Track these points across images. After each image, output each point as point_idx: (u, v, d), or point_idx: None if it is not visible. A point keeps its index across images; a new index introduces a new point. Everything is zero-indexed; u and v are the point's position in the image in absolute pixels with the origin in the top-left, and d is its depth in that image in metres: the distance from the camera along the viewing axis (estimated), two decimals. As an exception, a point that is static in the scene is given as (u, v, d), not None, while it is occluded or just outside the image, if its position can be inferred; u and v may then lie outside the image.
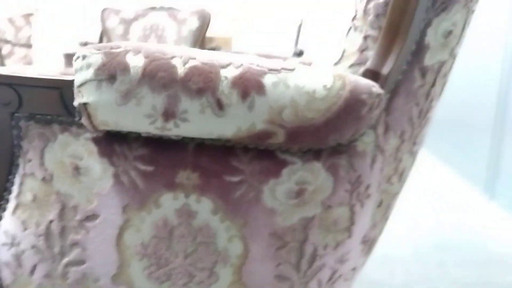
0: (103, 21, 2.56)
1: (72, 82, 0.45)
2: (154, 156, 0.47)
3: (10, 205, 0.50)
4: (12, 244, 0.50)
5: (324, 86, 0.42)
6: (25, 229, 0.49)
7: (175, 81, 0.40)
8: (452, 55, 0.52)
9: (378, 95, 0.44)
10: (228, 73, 0.40)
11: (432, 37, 0.47)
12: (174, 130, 0.42)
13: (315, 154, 0.47)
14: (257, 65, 0.41)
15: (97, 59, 0.40)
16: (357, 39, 0.50)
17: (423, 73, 0.49)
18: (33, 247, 0.49)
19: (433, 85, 0.51)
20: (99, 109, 0.41)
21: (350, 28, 0.52)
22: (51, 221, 0.48)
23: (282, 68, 0.42)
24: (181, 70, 0.40)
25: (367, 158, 0.49)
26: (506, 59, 1.73)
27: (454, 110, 2.27)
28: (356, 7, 0.51)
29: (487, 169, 1.84)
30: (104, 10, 2.56)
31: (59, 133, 0.47)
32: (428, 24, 0.46)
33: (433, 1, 0.45)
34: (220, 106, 0.40)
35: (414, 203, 1.80)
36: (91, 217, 0.48)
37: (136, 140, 0.47)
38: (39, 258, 0.49)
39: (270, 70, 0.41)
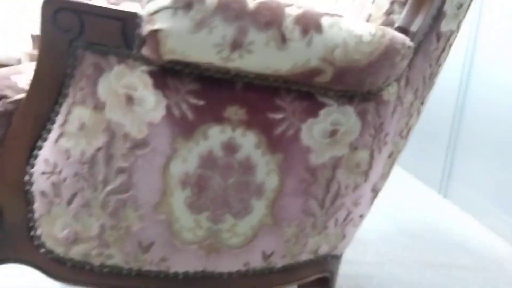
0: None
1: (135, 14, 0.48)
2: (205, 92, 0.50)
3: (53, 135, 0.51)
4: (52, 173, 0.51)
5: (369, 33, 0.48)
6: (69, 157, 0.50)
7: (246, 13, 0.44)
8: (458, 28, 0.60)
9: (409, 47, 0.51)
10: (292, 11, 0.45)
11: (449, 6, 0.55)
12: (237, 62, 0.46)
13: (348, 99, 0.53)
14: (315, 8, 0.46)
15: (174, -13, 0.43)
16: (384, 4, 0.57)
17: (438, 37, 0.57)
18: (75, 175, 0.50)
19: (443, 50, 0.59)
20: (171, 36, 0.44)
21: (375, -4, 0.59)
22: (98, 149, 0.50)
23: (335, 14, 0.47)
24: (251, 4, 0.44)
25: (390, 107, 0.56)
26: (464, 72, 1.93)
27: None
28: (383, -22, 0.58)
29: (442, 172, 2.03)
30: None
31: (115, 64, 0.49)
32: (447, -7, 0.54)
33: (454, -26, 0.53)
34: (283, 40, 0.45)
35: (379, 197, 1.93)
36: (141, 145, 0.50)
37: (188, 76, 0.50)
38: (80, 186, 0.51)
39: (326, 13, 0.47)
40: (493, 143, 1.64)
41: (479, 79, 1.76)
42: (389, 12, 0.56)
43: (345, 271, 1.17)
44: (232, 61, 0.46)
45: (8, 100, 0.52)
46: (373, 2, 0.58)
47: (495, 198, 1.59)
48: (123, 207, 0.51)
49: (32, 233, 0.53)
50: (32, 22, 2.74)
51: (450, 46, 0.62)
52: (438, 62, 0.60)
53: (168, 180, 0.51)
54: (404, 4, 0.55)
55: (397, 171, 2.42)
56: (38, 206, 0.52)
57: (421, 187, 2.12)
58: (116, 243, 0.52)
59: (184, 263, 0.55)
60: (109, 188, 0.51)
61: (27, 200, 0.52)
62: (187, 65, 0.49)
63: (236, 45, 0.45)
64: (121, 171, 0.50)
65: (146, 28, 0.46)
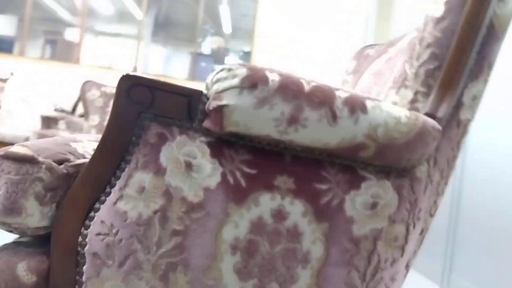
0: (83, 91, 2.63)
1: (201, 92, 0.54)
2: (257, 161, 0.55)
3: (111, 197, 0.53)
4: (108, 234, 0.52)
5: (406, 115, 0.55)
6: (126, 219, 0.52)
7: (302, 93, 0.51)
8: (473, 117, 0.68)
9: (438, 130, 0.58)
10: (341, 94, 0.52)
11: (466, 97, 0.64)
12: (292, 135, 0.52)
13: (386, 174, 0.58)
14: (359, 93, 0.53)
15: (243, 71, 0.50)
16: (408, 95, 0.65)
17: (458, 124, 0.64)
18: (131, 236, 0.52)
19: (462, 136, 0.66)
20: (237, 111, 0.50)
21: (400, 87, 0.67)
22: (155, 211, 0.52)
23: (376, 99, 0.54)
24: (307, 87, 0.51)
25: (422, 184, 0.60)
26: (459, 164, 2.03)
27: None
28: (406, 72, 0.67)
29: (443, 266, 2.02)
30: (86, 82, 2.65)
31: (177, 135, 0.54)
32: (465, 86, 0.63)
33: (470, 70, 0.62)
34: (334, 117, 0.51)
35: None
36: (197, 209, 0.53)
37: (242, 147, 0.55)
38: (134, 248, 0.52)
39: (368, 97, 0.54)
40: (492, 234, 1.67)
41: (475, 170, 1.86)
42: (413, 101, 0.64)
43: None
44: (287, 134, 0.52)
45: (71, 163, 0.56)
46: (397, 93, 0.67)
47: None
48: (174, 271, 0.52)
49: (76, 297, 0.53)
50: (40, 104, 2.86)
51: (468, 132, 0.69)
52: (458, 146, 0.66)
53: (220, 244, 0.53)
54: (426, 94, 0.63)
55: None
56: (87, 268, 0.52)
57: (423, 281, 2.08)
58: (163, 310, 0.52)
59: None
60: (162, 250, 0.52)
61: (77, 262, 0.53)
62: (242, 137, 0.54)
63: (293, 120, 0.51)
64: (175, 233, 0.52)
65: (212, 104, 0.52)
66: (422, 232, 0.66)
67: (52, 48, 3.85)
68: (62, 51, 3.78)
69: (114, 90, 2.59)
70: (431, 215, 0.67)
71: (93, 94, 2.59)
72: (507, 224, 1.62)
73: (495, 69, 1.69)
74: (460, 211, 1.94)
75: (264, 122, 0.51)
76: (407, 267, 0.66)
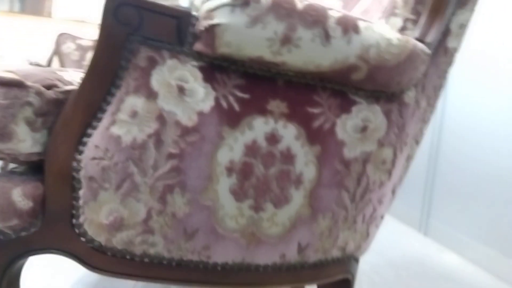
0: (58, 44, 2.53)
1: (190, 13, 0.53)
2: (249, 86, 0.55)
3: (104, 122, 0.53)
4: (103, 158, 0.52)
5: (397, 37, 0.55)
6: (120, 143, 0.52)
7: (296, 12, 0.50)
8: (459, 46, 0.69)
9: (427, 54, 0.58)
10: (333, 13, 0.52)
11: (454, 24, 0.64)
12: (285, 56, 0.52)
13: (376, 98, 0.59)
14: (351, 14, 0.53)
15: (234, -13, 0.49)
16: (397, 23, 0.65)
17: (445, 52, 0.65)
18: (127, 159, 0.52)
19: (449, 65, 0.68)
20: (229, 30, 0.49)
21: (389, 15, 0.67)
22: (150, 135, 0.52)
23: (367, 20, 0.54)
24: (300, 5, 0.50)
25: (410, 109, 0.62)
26: (439, 110, 2.07)
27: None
28: (396, 0, 0.67)
29: (421, 212, 2.11)
30: (61, 35, 2.54)
31: (168, 58, 0.53)
32: (453, 12, 0.63)
33: (459, -3, 0.63)
34: (327, 37, 0.51)
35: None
36: (191, 133, 0.53)
37: (234, 72, 0.55)
38: (130, 171, 0.52)
39: (361, 19, 0.54)
40: (469, 181, 1.74)
41: (454, 117, 1.91)
42: (403, 29, 0.64)
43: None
44: (281, 55, 0.52)
45: (59, 89, 0.55)
46: (386, 22, 0.67)
47: (473, 232, 1.66)
48: (171, 193, 0.53)
49: (74, 221, 0.53)
50: (13, 59, 2.75)
51: (453, 63, 0.70)
52: (445, 75, 0.68)
53: (215, 167, 0.54)
54: (416, 22, 0.63)
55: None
56: (84, 192, 0.53)
57: (402, 227, 2.18)
58: (161, 230, 0.53)
59: (225, 253, 0.56)
60: (159, 173, 0.52)
61: (73, 186, 0.53)
62: (234, 62, 0.54)
63: (286, 40, 0.51)
64: (171, 156, 0.52)
65: (203, 23, 0.50)
66: (408, 159, 0.69)
67: (20, 1, 3.64)
68: (32, 4, 3.58)
69: (90, 43, 2.50)
70: (417, 142, 0.69)
71: (68, 47, 2.49)
72: (484, 171, 1.70)
73: (476, 20, 1.70)
74: (439, 158, 2.01)
75: (257, 42, 0.51)
76: (393, 192, 0.69)
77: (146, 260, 0.54)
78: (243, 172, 0.54)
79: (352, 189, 0.60)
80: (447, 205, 1.89)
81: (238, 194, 0.55)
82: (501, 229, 1.55)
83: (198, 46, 0.52)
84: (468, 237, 1.71)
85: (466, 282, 1.43)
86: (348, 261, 0.67)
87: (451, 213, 1.85)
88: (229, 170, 0.54)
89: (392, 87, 0.58)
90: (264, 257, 0.58)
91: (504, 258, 1.49)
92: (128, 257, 0.54)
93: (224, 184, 0.54)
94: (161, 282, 0.56)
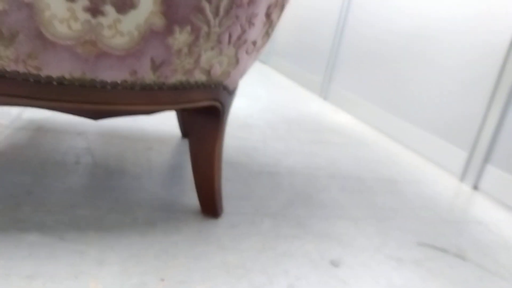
0: None
1: None
2: None
3: None
4: None
5: None
6: None
7: None
8: None
9: None
10: None
11: None
12: None
13: None
14: None
15: None
16: None
17: None
18: None
19: None
20: None
21: None
22: None
23: None
24: None
25: None
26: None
27: (299, 34, 2.53)
28: None
29: (323, 79, 2.16)
30: None
31: None
32: None
33: None
34: None
35: (266, 96, 2.02)
36: None
37: None
38: None
39: None
40: (368, 54, 1.78)
41: (359, 2, 1.86)
42: None
43: (235, 144, 1.20)
44: None
45: None
46: None
47: (367, 95, 1.77)
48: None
49: None
50: None
51: None
52: None
53: (31, -49, 0.42)
54: None
55: (282, 80, 2.53)
56: None
57: (304, 92, 2.25)
58: (-35, 29, 0.43)
59: (58, 64, 0.48)
60: None
61: None
62: None
63: None
64: None
65: None
66: (285, -22, 0.62)
67: None
68: None
69: None
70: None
71: None
72: (382, 47, 1.73)
73: None
74: (345, 30, 2.00)
75: None
76: (268, 16, 0.64)
77: (-46, 68, 0.45)
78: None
79: (215, 0, 0.53)
80: (347, 72, 1.95)
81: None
82: (390, 91, 1.65)
83: None
84: (362, 99, 1.82)
85: (349, 134, 1.55)
86: (216, 88, 0.64)
87: (351, 79, 1.93)
88: (52, -44, 0.43)
89: None
90: (110, 72, 0.51)
91: (389, 115, 1.63)
92: None
93: (47, -25, 0.43)
94: (-19, 96, 0.48)
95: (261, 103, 1.81)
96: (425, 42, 1.45)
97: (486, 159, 1.14)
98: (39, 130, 1.05)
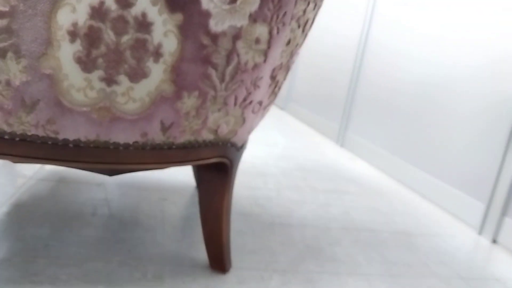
0: None
1: None
2: None
3: None
4: None
5: None
6: None
7: None
8: None
9: None
10: None
11: None
12: None
13: (248, -34, 0.54)
14: None
15: None
16: None
17: None
18: None
19: None
20: None
21: None
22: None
23: None
24: None
25: (287, -17, 0.58)
26: (362, 36, 2.06)
27: (316, 81, 2.60)
28: None
29: (339, 126, 2.19)
30: None
31: None
32: None
33: None
34: None
35: (283, 142, 2.04)
36: (21, -14, 0.45)
37: None
38: None
39: None
40: (384, 98, 1.81)
41: (377, 38, 1.92)
42: None
43: (248, 195, 1.21)
44: None
45: None
46: None
47: (383, 143, 1.77)
48: (4, 58, 0.46)
49: None
50: None
51: None
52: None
53: (55, 31, 0.47)
54: None
55: (300, 126, 2.56)
56: None
57: (320, 139, 2.27)
58: (-7, 99, 0.47)
59: (75, 129, 0.52)
60: (-18, 33, 0.45)
61: None
62: None
63: None
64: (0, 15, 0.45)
65: None
66: (290, 43, 0.66)
67: None
68: None
69: None
70: (299, 26, 0.66)
71: None
72: (397, 96, 1.76)
73: None
74: (360, 76, 2.04)
75: None
76: (274, 78, 0.67)
77: (-19, 134, 0.49)
78: (89, 38, 0.48)
79: (221, 68, 0.57)
80: (363, 120, 1.97)
81: (85, 63, 0.49)
82: (406, 140, 1.65)
83: None
84: (378, 147, 1.82)
85: (366, 184, 1.54)
86: (224, 146, 0.67)
87: (367, 126, 1.94)
88: (72, 35, 0.48)
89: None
90: (123, 134, 0.55)
91: (405, 164, 1.62)
92: (-42, 130, 0.48)
93: (67, 51, 0.48)
94: (4, 158, 0.52)
95: (278, 149, 1.83)
96: (439, 91, 1.47)
97: (504, 212, 1.11)
98: (60, 181, 1.10)
